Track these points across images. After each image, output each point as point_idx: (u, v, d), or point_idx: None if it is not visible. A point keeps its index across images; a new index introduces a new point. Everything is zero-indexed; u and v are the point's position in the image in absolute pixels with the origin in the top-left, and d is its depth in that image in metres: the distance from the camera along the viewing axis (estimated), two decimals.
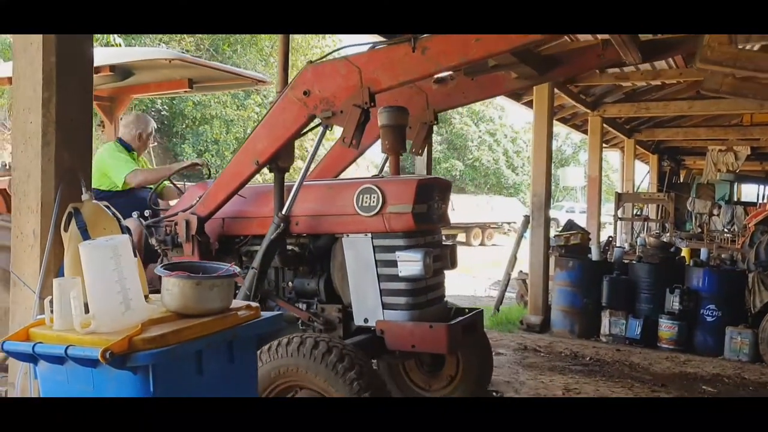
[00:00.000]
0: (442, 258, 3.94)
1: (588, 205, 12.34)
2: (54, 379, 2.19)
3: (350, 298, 3.82)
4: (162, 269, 2.32)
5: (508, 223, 27.87)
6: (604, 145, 13.10)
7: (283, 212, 3.76)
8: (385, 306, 3.66)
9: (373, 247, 3.67)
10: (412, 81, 3.72)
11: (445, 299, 4.12)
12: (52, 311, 2.18)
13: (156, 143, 18.99)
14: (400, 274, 3.58)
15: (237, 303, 2.48)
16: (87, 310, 2.14)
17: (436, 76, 4.59)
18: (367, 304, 3.72)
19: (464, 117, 36.48)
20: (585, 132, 12.34)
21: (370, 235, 3.68)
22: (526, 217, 8.91)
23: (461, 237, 26.38)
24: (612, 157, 30.20)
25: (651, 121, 13.54)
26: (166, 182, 4.76)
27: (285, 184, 3.91)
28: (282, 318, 2.72)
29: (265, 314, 2.53)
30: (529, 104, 9.09)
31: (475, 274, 15.42)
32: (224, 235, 4.20)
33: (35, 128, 2.87)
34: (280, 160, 3.84)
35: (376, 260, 3.67)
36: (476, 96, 4.87)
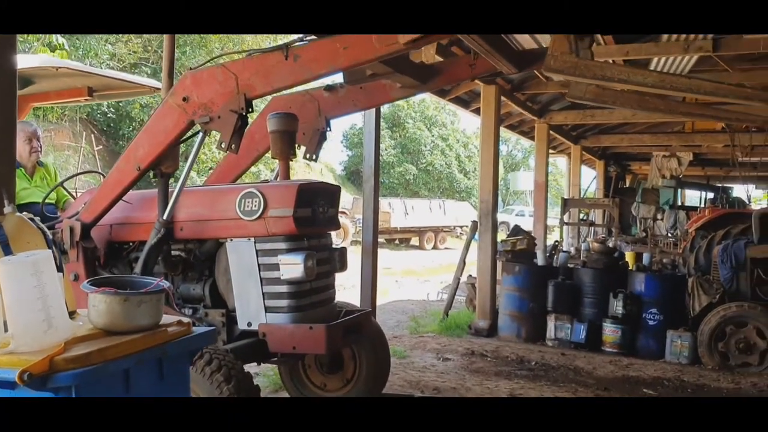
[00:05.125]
0: (329, 261, 4.01)
1: (535, 210, 12.53)
2: None
3: (234, 303, 3.85)
4: (88, 285, 2.25)
5: (461, 227, 28.08)
6: (551, 151, 13.30)
7: (164, 217, 3.78)
8: (267, 309, 3.72)
9: (256, 251, 3.72)
10: (286, 87, 3.82)
11: (335, 302, 4.18)
12: None
13: (102, 146, 18.71)
14: (282, 277, 3.63)
15: (168, 319, 2.41)
16: (6, 329, 2.05)
17: (326, 85, 4.77)
18: (250, 308, 3.77)
19: (417, 122, 36.67)
20: (532, 138, 12.50)
21: (252, 239, 3.73)
22: (474, 223, 8.98)
23: (415, 241, 26.44)
24: (561, 163, 30.76)
25: (597, 128, 13.81)
26: (63, 192, 4.79)
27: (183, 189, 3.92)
28: (215, 333, 2.66)
29: (198, 329, 2.48)
30: (478, 111, 9.15)
31: (428, 278, 15.50)
32: (112, 241, 4.18)
33: None
34: (163, 166, 3.88)
35: (258, 264, 3.72)
36: (365, 104, 5.01)
